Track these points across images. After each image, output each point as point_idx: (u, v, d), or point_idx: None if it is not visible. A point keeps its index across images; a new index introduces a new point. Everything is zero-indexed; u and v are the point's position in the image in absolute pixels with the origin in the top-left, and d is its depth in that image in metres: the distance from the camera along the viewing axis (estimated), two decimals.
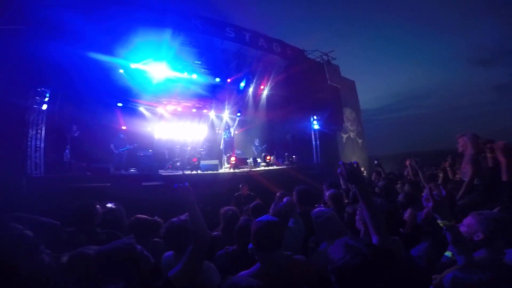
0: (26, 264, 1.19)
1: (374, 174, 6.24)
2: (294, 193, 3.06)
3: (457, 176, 4.23)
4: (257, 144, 11.89)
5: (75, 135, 7.94)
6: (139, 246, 1.48)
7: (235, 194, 5.69)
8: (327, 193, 3.26)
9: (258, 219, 1.76)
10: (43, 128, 6.95)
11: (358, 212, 2.03)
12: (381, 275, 0.99)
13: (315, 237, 2.31)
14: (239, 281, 1.07)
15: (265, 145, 11.86)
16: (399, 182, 4.63)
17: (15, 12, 6.29)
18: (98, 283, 1.29)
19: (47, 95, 7.03)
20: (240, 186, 5.83)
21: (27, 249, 1.24)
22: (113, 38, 8.62)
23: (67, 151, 7.49)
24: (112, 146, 8.52)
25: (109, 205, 2.73)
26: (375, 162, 6.34)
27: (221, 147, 10.78)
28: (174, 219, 2.02)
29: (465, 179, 3.26)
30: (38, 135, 6.79)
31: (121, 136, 8.92)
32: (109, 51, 8.80)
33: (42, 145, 6.81)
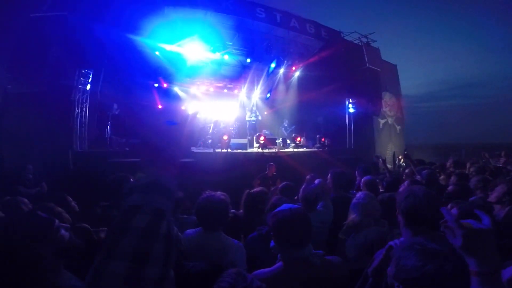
0: (44, 244, 1.05)
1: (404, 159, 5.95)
2: (329, 175, 2.89)
3: None
4: (286, 125, 11.71)
5: (116, 113, 8.44)
6: (176, 230, 1.41)
7: (261, 175, 5.67)
8: (362, 180, 3.09)
9: (278, 208, 1.46)
10: (87, 107, 7.48)
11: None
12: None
13: (352, 226, 2.11)
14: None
15: (294, 126, 11.63)
16: (441, 173, 4.24)
17: None
18: None
19: (91, 75, 7.49)
20: (267, 166, 5.78)
21: (40, 228, 1.08)
22: (149, 21, 8.84)
23: (108, 127, 8.03)
24: None
25: None
26: (405, 152, 6.37)
27: (247, 127, 10.84)
28: (212, 194, 1.88)
29: None
30: (83, 112, 7.34)
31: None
32: (145, 33, 9.08)
33: (86, 121, 7.37)
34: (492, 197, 2.39)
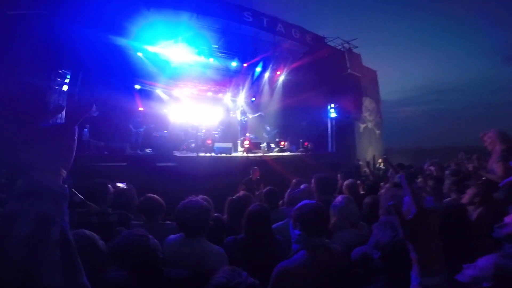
0: None
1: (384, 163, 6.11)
2: (312, 180, 2.94)
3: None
4: (268, 129, 11.83)
5: (94, 115, 8.12)
6: (150, 236, 1.43)
7: (245, 179, 5.65)
8: (344, 183, 3.16)
9: (302, 202, 1.67)
10: (64, 108, 7.15)
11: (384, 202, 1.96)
12: None
13: (330, 228, 2.21)
14: None
15: (276, 130, 11.75)
16: (419, 176, 4.42)
17: None
18: (102, 269, 1.27)
19: (68, 76, 7.19)
20: (251, 170, 5.76)
21: None
22: (132, 22, 8.64)
23: (86, 130, 7.72)
24: (130, 125, 8.70)
25: (120, 185, 2.71)
26: (384, 156, 6.56)
27: (239, 128, 10.85)
28: (192, 199, 1.85)
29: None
30: (59, 115, 7.00)
31: (138, 114, 9.08)
32: (128, 34, 8.87)
33: None
34: (464, 199, 2.53)
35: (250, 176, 5.66)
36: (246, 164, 6.96)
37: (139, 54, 9.74)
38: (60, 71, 6.86)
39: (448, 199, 2.94)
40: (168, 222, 2.34)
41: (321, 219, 1.60)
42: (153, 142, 8.43)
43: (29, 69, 5.99)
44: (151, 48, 9.22)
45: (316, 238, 1.55)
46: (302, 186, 2.66)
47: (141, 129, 8.83)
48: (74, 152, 0.58)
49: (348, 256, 1.70)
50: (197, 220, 1.75)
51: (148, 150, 8.39)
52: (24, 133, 0.56)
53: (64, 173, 0.55)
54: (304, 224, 1.56)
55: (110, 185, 2.42)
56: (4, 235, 0.45)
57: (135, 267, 1.30)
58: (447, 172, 4.37)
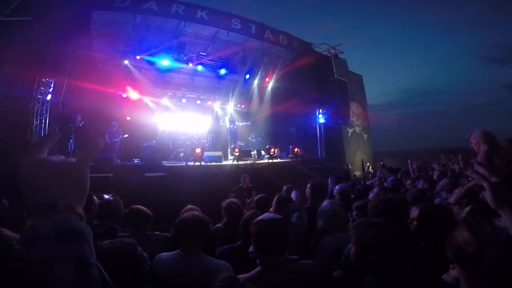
0: None
1: (381, 169, 6.19)
2: (308, 186, 2.97)
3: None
4: (253, 136, 11.85)
5: (80, 125, 7.92)
6: (139, 247, 1.38)
7: (235, 187, 5.59)
8: (336, 188, 3.17)
9: (259, 217, 1.56)
10: (47, 118, 6.96)
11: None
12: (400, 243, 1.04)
13: (318, 233, 2.21)
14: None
15: (261, 137, 11.79)
16: (408, 178, 4.50)
17: (21, 3, 6.25)
18: None
19: (52, 85, 7.00)
20: (241, 178, 5.71)
21: None
22: (118, 29, 8.56)
23: (71, 141, 7.50)
24: (106, 136, 8.30)
25: (106, 196, 2.64)
26: (381, 162, 6.68)
27: (228, 136, 10.77)
28: (193, 214, 1.78)
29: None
30: (42, 124, 6.80)
31: (114, 124, 8.63)
32: (114, 42, 8.76)
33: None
34: (451, 199, 2.56)
35: (241, 184, 5.60)
36: (237, 172, 6.90)
37: (126, 62, 9.65)
38: (44, 80, 6.67)
39: (438, 198, 2.99)
40: (156, 232, 2.28)
41: (276, 236, 1.45)
42: (141, 152, 8.27)
43: (11, 77, 5.81)
44: (138, 56, 9.15)
45: (269, 256, 1.45)
46: (293, 193, 2.66)
47: (117, 139, 8.55)
48: (88, 190, 0.55)
49: (337, 257, 1.68)
50: (200, 234, 1.69)
51: (136, 160, 8.21)
52: (32, 167, 0.51)
53: (82, 211, 0.52)
54: (257, 242, 1.47)
55: (95, 197, 2.35)
56: (45, 278, 0.41)
57: (116, 276, 1.25)
58: (436, 172, 4.48)
